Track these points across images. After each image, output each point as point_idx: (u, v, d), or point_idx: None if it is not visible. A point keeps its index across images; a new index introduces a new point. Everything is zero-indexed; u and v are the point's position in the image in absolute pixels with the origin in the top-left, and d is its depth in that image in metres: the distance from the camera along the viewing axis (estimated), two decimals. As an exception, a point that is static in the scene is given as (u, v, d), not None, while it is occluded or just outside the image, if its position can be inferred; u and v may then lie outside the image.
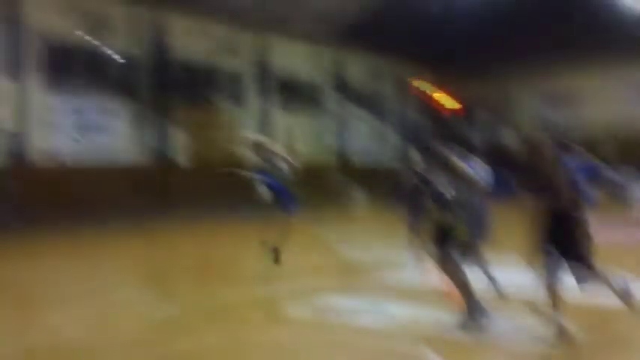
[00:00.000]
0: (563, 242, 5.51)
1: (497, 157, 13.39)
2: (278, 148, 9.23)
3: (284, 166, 8.79)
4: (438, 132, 32.75)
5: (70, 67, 19.08)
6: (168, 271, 10.41)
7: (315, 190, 24.86)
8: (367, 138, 29.75)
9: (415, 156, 6.34)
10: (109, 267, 10.63)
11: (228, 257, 11.50)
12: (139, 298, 8.02)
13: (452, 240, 5.98)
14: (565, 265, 5.53)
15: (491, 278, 7.16)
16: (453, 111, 33.04)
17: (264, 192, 8.63)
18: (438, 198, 6.06)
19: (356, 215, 20.33)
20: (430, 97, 33.01)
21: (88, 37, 19.13)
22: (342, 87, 28.53)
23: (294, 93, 26.51)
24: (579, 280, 5.55)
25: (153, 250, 12.59)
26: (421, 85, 32.66)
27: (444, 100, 32.99)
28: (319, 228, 14.69)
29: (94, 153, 19.42)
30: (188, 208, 18.91)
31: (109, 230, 15.73)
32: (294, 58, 25.97)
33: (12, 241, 14.07)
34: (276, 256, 8.80)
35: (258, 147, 9.05)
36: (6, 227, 16.59)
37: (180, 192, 20.44)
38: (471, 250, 6.47)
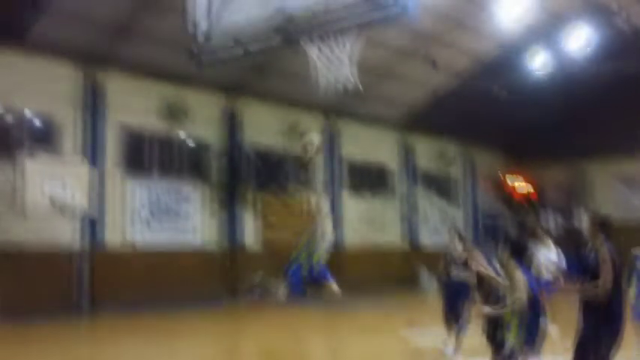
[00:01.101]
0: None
1: (572, 241, 13.04)
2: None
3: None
4: (510, 217, 32.26)
5: (146, 151, 19.71)
6: (239, 354, 10.33)
7: (384, 274, 24.66)
8: (437, 222, 29.38)
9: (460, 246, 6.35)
10: (181, 349, 10.63)
11: (294, 342, 11.38)
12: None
13: (503, 340, 5.88)
14: None
15: None
16: (526, 195, 32.49)
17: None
18: (492, 294, 6.01)
19: (427, 299, 19.90)
20: (502, 181, 32.62)
21: (164, 123, 19.75)
22: (412, 170, 28.48)
23: (363, 176, 26.58)
24: None
25: (224, 333, 12.58)
26: (493, 169, 32.36)
27: (517, 183, 32.53)
28: (388, 313, 14.41)
29: (167, 236, 19.76)
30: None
31: (180, 313, 15.84)
32: (363, 141, 26.13)
33: (86, 323, 14.29)
34: None
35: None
36: (81, 310, 16.96)
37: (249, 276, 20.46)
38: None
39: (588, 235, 6.26)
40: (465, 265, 8.42)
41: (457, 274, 9.32)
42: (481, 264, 6.67)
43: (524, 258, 6.56)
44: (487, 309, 6.30)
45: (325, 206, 7.46)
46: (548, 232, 11.71)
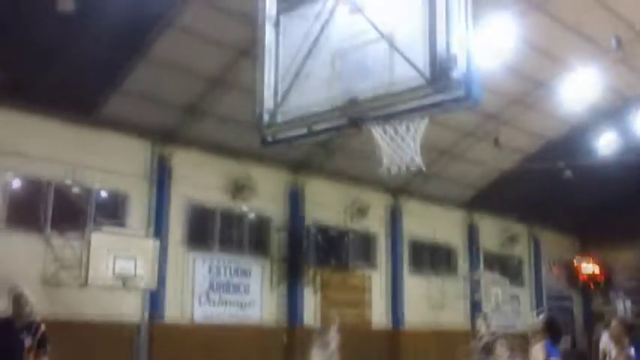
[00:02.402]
0: None
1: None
2: None
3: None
4: (577, 299, 31.34)
5: (209, 226, 19.96)
6: None
7: (445, 354, 23.97)
8: (502, 302, 28.63)
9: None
10: None
11: None
12: None
13: None
14: None
15: None
16: (592, 276, 31.55)
17: None
18: None
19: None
20: (569, 262, 31.83)
21: (228, 198, 20.03)
22: (475, 249, 28.05)
23: (425, 254, 26.27)
24: None
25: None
26: (560, 249, 31.67)
27: (583, 264, 31.66)
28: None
29: (226, 310, 19.76)
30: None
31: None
32: (427, 220, 25.91)
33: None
34: None
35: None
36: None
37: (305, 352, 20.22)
38: None
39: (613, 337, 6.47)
40: (485, 349, 8.10)
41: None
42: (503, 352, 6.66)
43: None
44: None
45: None
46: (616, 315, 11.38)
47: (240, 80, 17.18)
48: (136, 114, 17.63)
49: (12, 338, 7.14)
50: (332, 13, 5.92)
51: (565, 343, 29.31)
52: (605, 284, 31.44)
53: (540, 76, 20.83)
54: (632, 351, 6.19)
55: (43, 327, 7.44)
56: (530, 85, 21.33)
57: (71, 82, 15.84)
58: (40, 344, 7.30)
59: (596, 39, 18.65)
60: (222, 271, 19.91)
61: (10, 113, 15.78)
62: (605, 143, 23.43)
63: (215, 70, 17.40)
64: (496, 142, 22.27)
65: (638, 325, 6.65)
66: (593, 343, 26.35)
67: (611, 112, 22.81)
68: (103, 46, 15.14)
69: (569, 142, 23.62)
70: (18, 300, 7.33)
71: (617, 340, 6.36)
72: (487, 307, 27.15)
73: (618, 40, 17.49)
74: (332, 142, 20.62)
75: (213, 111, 18.28)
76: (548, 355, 6.11)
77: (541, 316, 6.37)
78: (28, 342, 7.20)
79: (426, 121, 6.33)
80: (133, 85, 16.71)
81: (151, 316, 17.90)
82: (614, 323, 6.59)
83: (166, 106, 17.95)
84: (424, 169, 5.98)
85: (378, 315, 23.89)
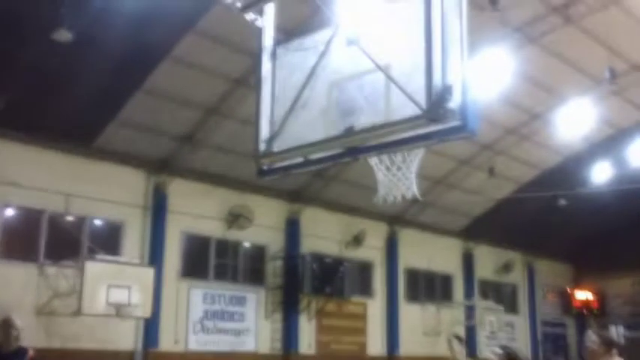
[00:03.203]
0: None
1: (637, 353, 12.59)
2: None
3: None
4: (571, 325, 31.33)
5: (204, 254, 19.92)
6: None
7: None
8: (497, 330, 28.54)
9: None
10: None
11: None
12: None
13: None
14: None
15: None
16: (586, 303, 31.60)
17: None
18: None
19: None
20: (563, 290, 31.90)
21: (224, 227, 20.02)
22: (470, 276, 28.02)
23: (421, 282, 26.25)
24: None
25: None
26: (554, 277, 31.73)
27: (577, 291, 31.76)
28: None
29: (221, 339, 19.64)
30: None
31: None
32: (423, 249, 25.91)
33: None
34: None
35: None
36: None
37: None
38: None
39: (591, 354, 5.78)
40: None
41: None
42: None
43: None
44: None
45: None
46: (611, 342, 11.18)
47: (236, 110, 17.28)
48: (132, 144, 17.67)
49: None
50: (328, 44, 5.99)
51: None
52: (599, 311, 31.45)
53: (535, 108, 21.04)
54: None
55: (31, 352, 7.28)
56: (525, 116, 21.52)
57: (67, 112, 15.91)
58: None
59: (591, 71, 18.88)
60: (217, 300, 19.82)
61: (5, 142, 15.82)
62: (599, 173, 23.55)
63: (211, 100, 17.48)
64: (491, 171, 22.38)
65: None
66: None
67: (605, 143, 22.98)
68: (100, 77, 15.22)
69: (564, 172, 23.74)
70: (5, 325, 7.18)
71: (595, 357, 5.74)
72: (482, 334, 27.10)
73: (612, 71, 17.69)
74: (328, 171, 20.71)
75: (209, 141, 18.33)
76: None
77: (500, 350, 6.01)
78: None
79: (422, 151, 6.38)
80: (129, 115, 16.77)
81: (146, 345, 17.78)
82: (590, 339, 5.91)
83: (162, 136, 17.99)
84: (420, 198, 6.01)
85: (374, 342, 23.83)
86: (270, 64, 6.44)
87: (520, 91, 19.19)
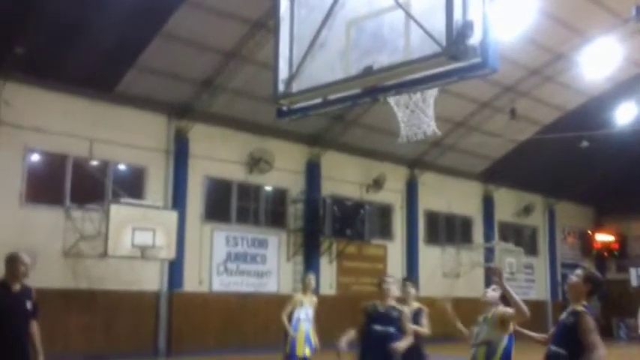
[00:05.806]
0: None
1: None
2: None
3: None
4: (591, 267, 31.30)
5: (226, 198, 20.12)
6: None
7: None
8: (516, 271, 28.68)
9: None
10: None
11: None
12: None
13: None
14: None
15: None
16: (606, 245, 31.60)
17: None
18: None
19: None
20: (584, 232, 31.85)
21: (245, 171, 20.15)
22: (490, 219, 28.09)
23: (440, 225, 26.39)
24: None
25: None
26: (575, 219, 31.67)
27: (598, 234, 31.71)
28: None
29: (243, 280, 20.00)
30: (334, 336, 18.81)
31: (255, 356, 15.95)
32: (442, 191, 25.95)
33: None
34: None
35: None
36: (157, 352, 17.32)
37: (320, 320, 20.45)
38: None
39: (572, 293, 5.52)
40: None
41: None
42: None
43: None
44: None
45: None
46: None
47: (255, 53, 17.20)
48: (153, 89, 17.72)
49: (17, 303, 6.89)
50: (347, -18, 5.92)
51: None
52: (619, 253, 31.47)
53: (559, 47, 20.63)
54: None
55: (34, 292, 7.14)
56: (548, 56, 21.14)
57: (88, 59, 15.97)
58: (35, 308, 7.10)
59: (616, 9, 18.44)
60: (240, 242, 20.12)
61: (28, 88, 15.94)
62: (623, 114, 23.27)
63: (230, 44, 17.40)
64: (513, 113, 22.17)
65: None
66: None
67: (630, 83, 22.62)
68: (119, 23, 15.20)
69: (587, 114, 23.46)
70: (13, 260, 6.96)
71: (574, 295, 5.47)
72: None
73: (639, 9, 17.26)
74: (348, 115, 20.65)
75: (229, 85, 18.31)
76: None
77: (580, 272, 5.67)
78: (29, 305, 7.00)
79: (442, 90, 6.38)
80: (149, 61, 16.78)
81: (170, 286, 18.18)
82: (576, 272, 5.58)
83: (182, 81, 18.00)
84: (440, 134, 6.03)
85: (394, 284, 24.04)
86: (288, 2, 6.38)
87: (543, 29, 18.86)
